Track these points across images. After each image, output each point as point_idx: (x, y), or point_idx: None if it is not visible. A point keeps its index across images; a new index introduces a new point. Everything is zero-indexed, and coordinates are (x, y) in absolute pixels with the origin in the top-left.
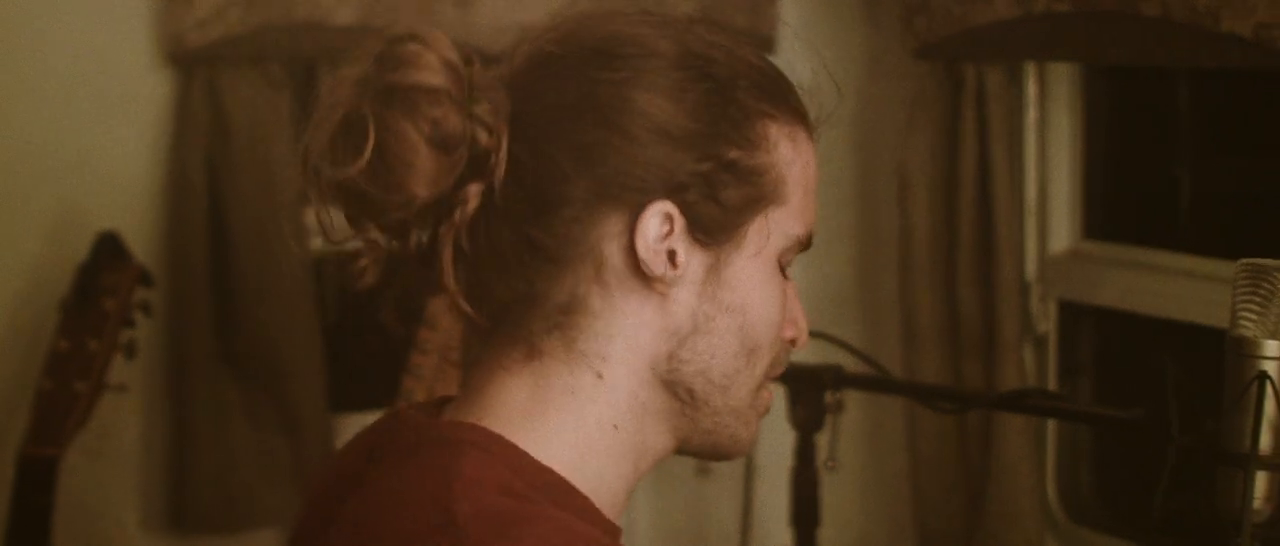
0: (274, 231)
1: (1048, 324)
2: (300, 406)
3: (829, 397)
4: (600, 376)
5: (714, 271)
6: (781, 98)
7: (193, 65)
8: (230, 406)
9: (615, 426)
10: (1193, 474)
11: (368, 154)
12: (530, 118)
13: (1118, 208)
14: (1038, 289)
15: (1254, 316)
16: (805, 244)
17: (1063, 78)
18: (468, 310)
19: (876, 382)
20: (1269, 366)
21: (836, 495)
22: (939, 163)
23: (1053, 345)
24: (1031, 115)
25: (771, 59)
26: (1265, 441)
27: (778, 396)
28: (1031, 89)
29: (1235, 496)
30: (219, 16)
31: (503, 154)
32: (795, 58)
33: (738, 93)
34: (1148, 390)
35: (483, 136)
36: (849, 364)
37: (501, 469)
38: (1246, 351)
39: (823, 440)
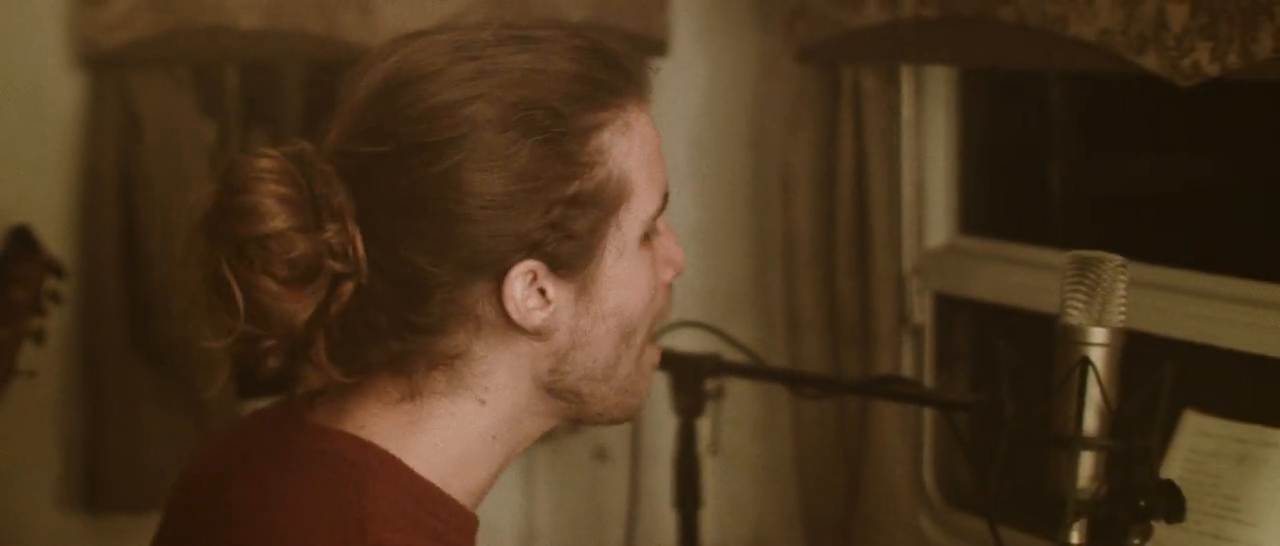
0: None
1: (924, 315)
2: (208, 391)
3: (709, 384)
4: (483, 402)
5: (583, 292)
6: (605, 95)
7: (104, 67)
8: (141, 391)
9: (494, 437)
10: (1031, 455)
11: (242, 312)
12: (375, 216)
13: (992, 204)
14: (914, 282)
15: (1081, 305)
16: (663, 205)
17: (939, 79)
18: (342, 381)
19: (750, 370)
20: (1094, 352)
21: (727, 481)
22: (820, 161)
23: (929, 336)
24: (907, 115)
25: (665, 61)
26: (1090, 423)
27: (660, 384)
28: (907, 90)
29: (1064, 476)
30: (129, 21)
31: (362, 262)
32: (688, 62)
33: (563, 124)
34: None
35: (336, 265)
36: (731, 353)
37: (399, 493)
38: (1073, 338)
39: (704, 426)
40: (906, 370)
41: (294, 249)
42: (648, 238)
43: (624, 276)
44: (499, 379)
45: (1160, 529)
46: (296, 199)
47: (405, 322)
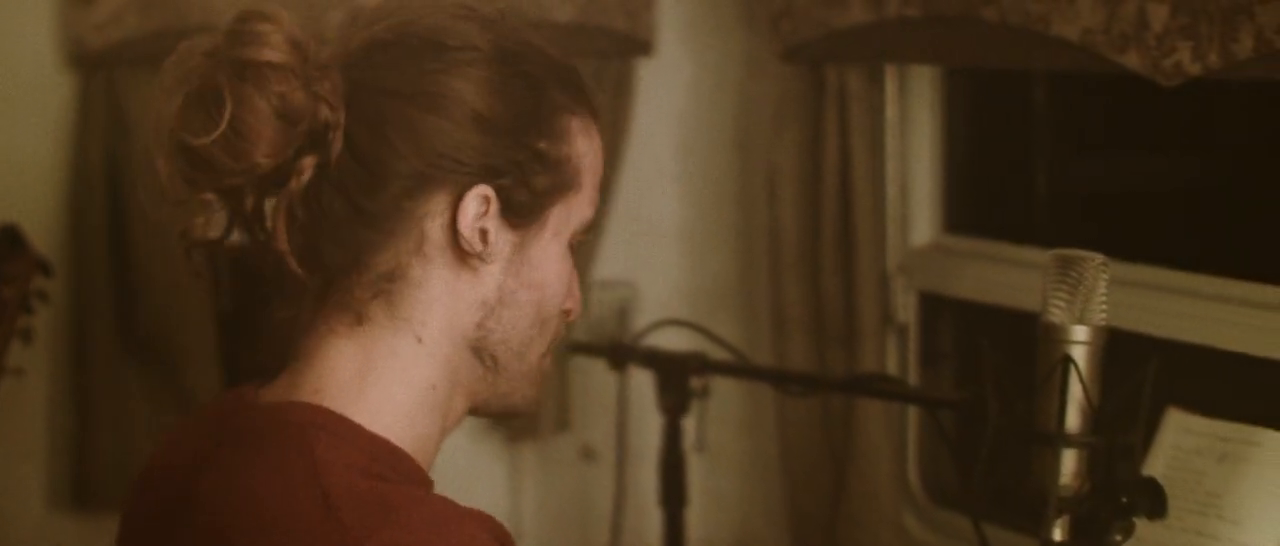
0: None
1: (908, 314)
2: (196, 389)
3: (694, 383)
4: (420, 340)
5: (519, 250)
6: (581, 95)
7: (93, 67)
8: (130, 389)
9: (433, 386)
10: (1014, 452)
11: (223, 125)
12: (365, 98)
13: (976, 203)
14: (899, 281)
15: (1063, 303)
16: (590, 225)
17: (923, 78)
18: (298, 271)
19: (735, 368)
20: (1075, 350)
21: (713, 479)
22: (805, 160)
23: (914, 334)
24: (891, 114)
25: (651, 62)
26: (1072, 421)
27: (646, 383)
28: (891, 89)
29: (1047, 473)
30: (117, 21)
31: (340, 129)
32: (675, 61)
33: (546, 89)
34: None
35: (324, 112)
36: (717, 352)
37: (349, 448)
38: (1055, 336)
39: (690, 424)
40: (891, 369)
41: (287, 83)
42: (569, 247)
43: (552, 259)
44: (435, 316)
45: (1142, 526)
46: (301, 45)
47: (358, 210)
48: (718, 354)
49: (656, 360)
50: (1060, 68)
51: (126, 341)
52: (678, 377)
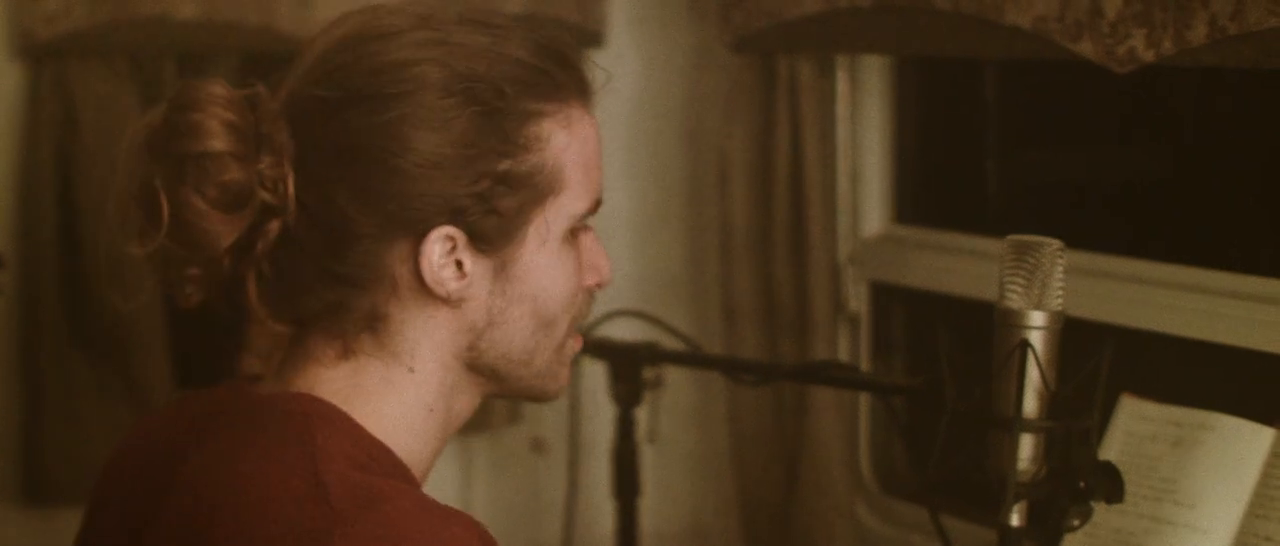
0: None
1: (860, 304)
2: (147, 382)
3: (647, 373)
4: (412, 370)
5: (501, 271)
6: (551, 89)
7: (42, 58)
8: (80, 383)
9: (430, 409)
10: (970, 438)
11: (165, 227)
12: (312, 159)
13: (927, 193)
14: (850, 270)
15: (1020, 289)
16: (594, 209)
17: (874, 69)
18: (276, 328)
19: (688, 358)
20: (1033, 335)
21: (664, 470)
22: (756, 151)
23: (865, 324)
24: (842, 104)
25: (601, 53)
26: (1029, 405)
27: (598, 374)
28: (842, 80)
29: (1004, 458)
30: (66, 12)
31: (291, 200)
32: (625, 52)
33: (505, 103)
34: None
35: (266, 195)
36: (669, 342)
37: (346, 441)
38: (1012, 322)
39: (642, 415)
40: (842, 359)
41: (227, 172)
42: (574, 235)
43: (543, 266)
44: (423, 349)
45: (1099, 510)
46: (239, 126)
47: (326, 271)
48: (670, 344)
49: (608, 350)
50: (1014, 56)
51: (76, 334)
52: (630, 368)
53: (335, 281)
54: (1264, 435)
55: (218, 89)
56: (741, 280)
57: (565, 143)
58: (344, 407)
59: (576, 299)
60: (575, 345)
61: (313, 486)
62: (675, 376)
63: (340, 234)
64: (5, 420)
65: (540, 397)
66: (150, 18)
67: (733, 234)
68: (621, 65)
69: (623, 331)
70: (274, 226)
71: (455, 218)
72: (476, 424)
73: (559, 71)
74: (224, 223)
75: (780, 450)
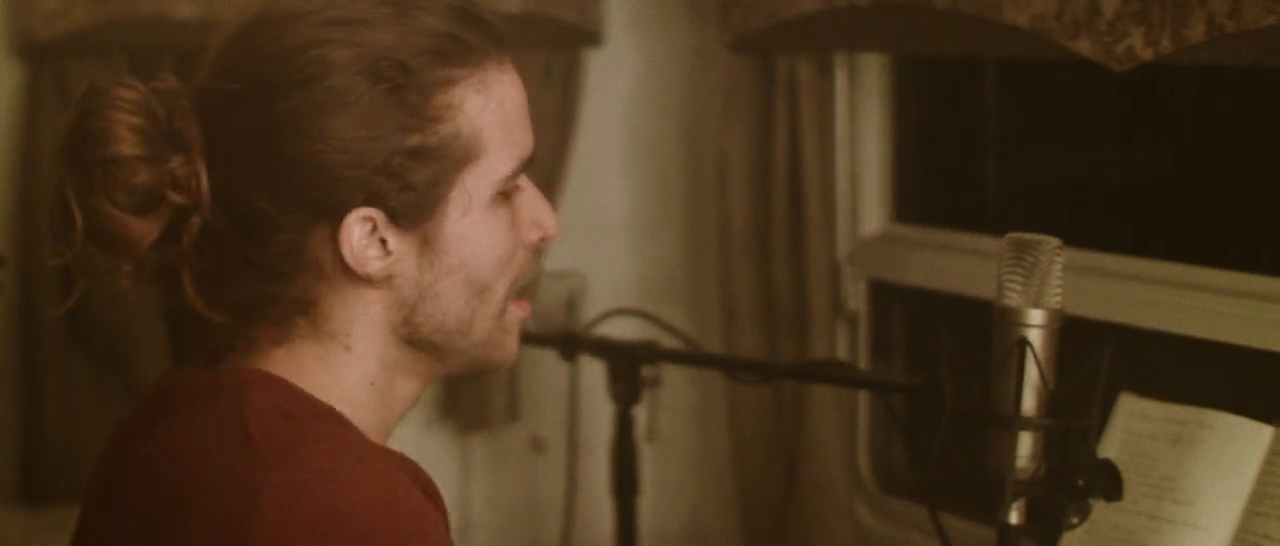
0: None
1: (859, 303)
2: (146, 381)
3: (646, 372)
4: (349, 349)
5: (426, 245)
6: (461, 53)
7: (41, 57)
8: (78, 382)
9: (372, 383)
10: (969, 437)
11: (79, 233)
12: (223, 153)
13: (926, 192)
14: (849, 269)
15: (1018, 287)
16: (523, 167)
17: (873, 68)
18: (213, 317)
19: (687, 357)
20: (1031, 333)
21: (663, 469)
22: (755, 150)
23: (864, 323)
24: (841, 103)
25: (600, 52)
26: (1028, 404)
27: (597, 373)
28: (841, 78)
29: (1003, 456)
30: (66, 11)
31: (205, 196)
32: (624, 52)
33: (410, 77)
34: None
35: (176, 197)
36: (668, 341)
37: (281, 398)
38: (1011, 320)
39: (641, 414)
40: (841, 357)
41: (135, 176)
42: (504, 197)
43: (470, 233)
44: (358, 328)
45: (1098, 508)
46: (147, 129)
47: (250, 263)
48: (669, 343)
49: (607, 349)
50: (1012, 55)
51: (75, 333)
52: (629, 367)
53: (259, 272)
54: (1263, 433)
55: (124, 91)
56: (740, 279)
57: (481, 106)
58: (290, 377)
59: (512, 261)
60: (520, 311)
61: (240, 439)
62: (674, 375)
63: (258, 226)
64: (4, 419)
65: (488, 368)
66: (149, 17)
67: (732, 233)
68: (620, 65)
69: (622, 330)
70: (194, 222)
71: (371, 198)
72: (475, 422)
73: (469, 33)
74: (139, 225)
75: (779, 449)
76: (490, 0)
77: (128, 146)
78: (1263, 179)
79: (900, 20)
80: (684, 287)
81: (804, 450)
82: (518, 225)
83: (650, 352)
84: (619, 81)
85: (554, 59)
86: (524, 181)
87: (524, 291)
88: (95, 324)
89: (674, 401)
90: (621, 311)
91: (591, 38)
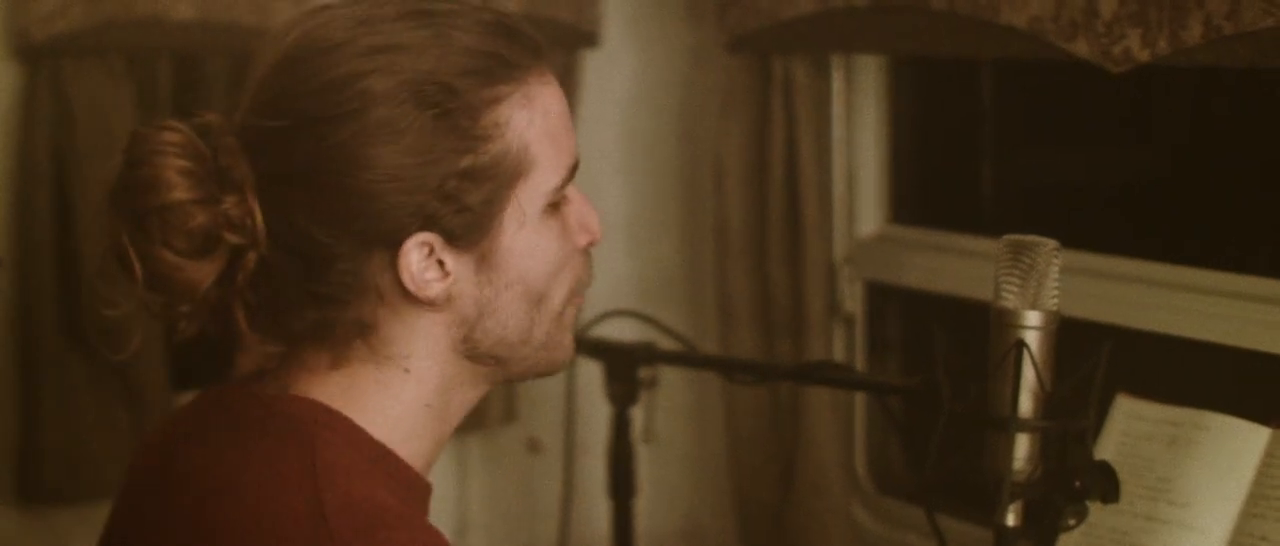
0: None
1: (855, 304)
2: (143, 383)
3: (642, 373)
4: (408, 371)
5: (484, 262)
6: (503, 71)
7: (38, 58)
8: (76, 383)
9: (427, 406)
10: (966, 438)
11: (141, 281)
12: (274, 188)
13: (923, 193)
14: (846, 271)
15: (1015, 288)
16: (571, 175)
17: (870, 69)
18: (268, 350)
19: (685, 358)
20: (1028, 335)
21: (660, 470)
22: (751, 151)
23: (861, 324)
24: (838, 104)
25: (597, 53)
26: (1025, 405)
27: (594, 374)
28: (837, 79)
29: (999, 458)
30: (62, 12)
31: (260, 234)
32: (620, 53)
33: (457, 99)
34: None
35: (232, 237)
36: (665, 342)
37: (348, 449)
38: (1008, 321)
39: (638, 415)
40: (838, 358)
41: (191, 220)
42: (555, 207)
43: (526, 247)
44: (417, 349)
45: (1095, 510)
46: (197, 171)
47: (309, 293)
48: (666, 344)
49: (604, 350)
50: (1009, 56)
51: (73, 334)
52: (626, 368)
53: (319, 301)
54: (1259, 434)
55: (169, 135)
56: (737, 280)
57: (527, 120)
58: (345, 407)
59: (567, 268)
60: (573, 314)
61: (313, 506)
62: (671, 376)
63: (315, 257)
64: (2, 420)
65: (549, 369)
66: (146, 18)
67: (728, 234)
68: (617, 66)
69: (618, 331)
70: (251, 258)
71: (427, 223)
72: (471, 423)
73: (508, 48)
74: (197, 269)
75: (776, 450)
76: (489, 0)
77: (180, 192)
78: (1259, 181)
79: (897, 21)
80: (681, 288)
81: (801, 451)
82: (568, 232)
83: (647, 354)
84: (616, 82)
85: (551, 59)
86: (570, 188)
87: (578, 293)
88: (92, 325)
89: (671, 402)
90: (618, 312)
91: (588, 39)
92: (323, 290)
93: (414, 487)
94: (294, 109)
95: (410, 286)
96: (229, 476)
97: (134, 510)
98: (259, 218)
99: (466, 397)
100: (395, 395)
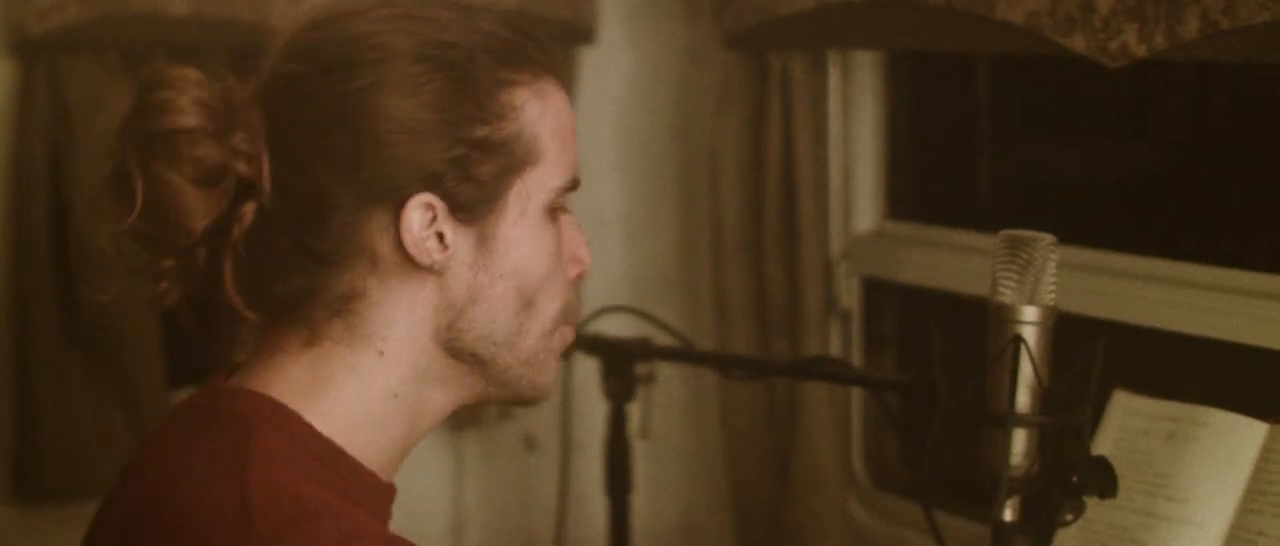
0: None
1: (852, 300)
2: (139, 380)
3: (639, 369)
4: (382, 353)
5: (482, 242)
6: (524, 59)
7: (34, 53)
8: (72, 379)
9: (395, 395)
10: (963, 434)
11: (139, 204)
12: (287, 135)
13: (920, 189)
14: (842, 267)
15: (1013, 284)
16: (572, 186)
17: (866, 64)
18: (248, 315)
19: (682, 354)
20: (1026, 330)
21: (657, 466)
22: (747, 147)
23: (857, 320)
24: (834, 100)
25: (593, 49)
26: (1022, 401)
27: (590, 370)
28: (834, 75)
29: (997, 453)
30: (59, 7)
31: (266, 176)
32: (616, 49)
33: (477, 71)
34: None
35: (241, 167)
36: (661, 338)
37: (286, 440)
38: (1005, 317)
39: (634, 411)
40: (835, 354)
41: (200, 147)
42: (554, 213)
43: (524, 239)
44: (398, 330)
45: (1092, 505)
46: (211, 104)
47: (304, 247)
48: (662, 340)
49: (600, 346)
50: (1006, 51)
51: (69, 331)
52: (622, 364)
53: (312, 259)
54: (1257, 430)
55: (186, 71)
56: (733, 276)
57: (540, 112)
58: (301, 400)
59: (558, 282)
60: (567, 334)
61: (239, 504)
62: (667, 372)
63: (317, 207)
64: None
65: (530, 394)
66: (142, 13)
67: (724, 230)
68: (613, 62)
69: (614, 327)
70: (249, 210)
71: (433, 184)
72: (468, 419)
73: (530, 46)
74: (199, 199)
75: (773, 446)
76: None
77: (192, 118)
78: (1256, 176)
79: (893, 17)
80: (677, 284)
81: (797, 447)
82: (563, 247)
83: (643, 350)
84: (612, 79)
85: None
86: (567, 219)
87: (568, 319)
88: (88, 321)
89: (667, 398)
90: (615, 308)
91: (584, 35)
92: (318, 245)
93: (366, 487)
94: (317, 57)
95: (410, 247)
96: (169, 475)
97: (103, 509)
98: (266, 163)
99: (438, 402)
100: (363, 381)
